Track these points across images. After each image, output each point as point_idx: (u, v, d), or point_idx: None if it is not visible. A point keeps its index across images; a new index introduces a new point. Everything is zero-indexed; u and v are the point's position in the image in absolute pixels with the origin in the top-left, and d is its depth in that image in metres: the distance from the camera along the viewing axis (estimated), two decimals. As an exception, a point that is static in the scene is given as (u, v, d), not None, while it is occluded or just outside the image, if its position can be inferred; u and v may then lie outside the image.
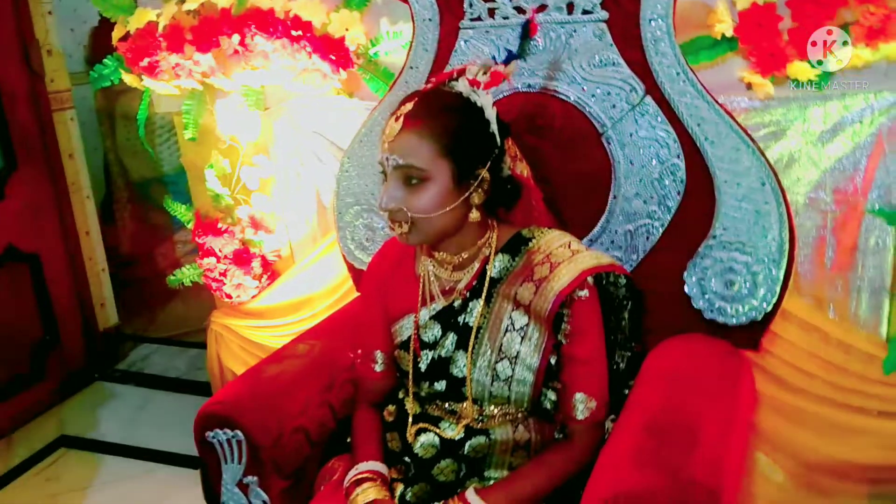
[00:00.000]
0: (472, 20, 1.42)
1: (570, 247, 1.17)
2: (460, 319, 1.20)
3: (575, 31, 1.34)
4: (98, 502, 2.31)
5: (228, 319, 2.15)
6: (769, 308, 1.30)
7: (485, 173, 1.14)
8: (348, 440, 1.42)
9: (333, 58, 1.71)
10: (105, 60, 1.96)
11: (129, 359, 3.25)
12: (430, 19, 1.45)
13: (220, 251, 1.99)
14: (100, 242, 3.17)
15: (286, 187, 1.98)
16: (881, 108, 1.50)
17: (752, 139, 1.27)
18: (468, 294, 1.20)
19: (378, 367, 1.33)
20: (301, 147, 1.92)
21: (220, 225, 1.98)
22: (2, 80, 2.59)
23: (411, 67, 1.51)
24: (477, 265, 1.21)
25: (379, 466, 1.22)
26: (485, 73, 1.17)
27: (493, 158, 1.15)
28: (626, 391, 1.23)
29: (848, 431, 1.69)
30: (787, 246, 1.27)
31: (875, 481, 1.70)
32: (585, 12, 1.32)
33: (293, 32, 1.71)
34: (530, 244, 1.19)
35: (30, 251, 2.74)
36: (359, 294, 1.73)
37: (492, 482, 1.18)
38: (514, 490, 1.14)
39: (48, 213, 2.82)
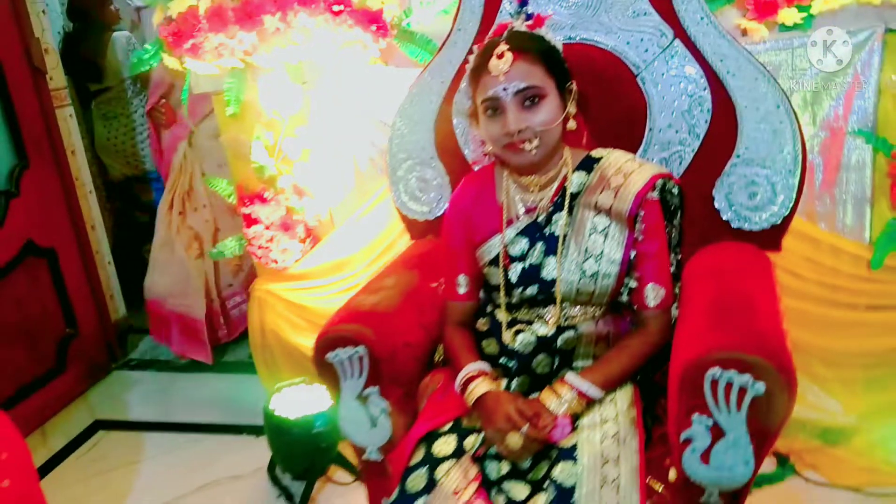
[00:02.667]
0: (515, -17, 1.63)
1: (635, 160, 1.41)
2: (546, 231, 1.41)
3: (610, -14, 1.56)
4: (149, 472, 2.42)
5: (271, 285, 2.30)
6: (787, 212, 1.55)
7: (574, 85, 1.37)
8: (437, 359, 1.62)
9: (374, 28, 1.89)
10: (146, 46, 2.07)
11: (139, 348, 3.33)
12: (476, -15, 1.65)
13: (267, 219, 2.13)
14: (104, 236, 3.24)
15: (325, 156, 2.14)
16: (856, 44, 1.78)
17: (766, 69, 1.51)
18: (551, 208, 1.41)
19: (462, 290, 1.53)
20: (338, 117, 2.09)
21: (265, 194, 2.12)
22: (9, 78, 2.64)
23: (459, 30, 1.70)
24: (556, 184, 1.42)
25: (484, 366, 1.41)
26: (528, 19, 1.39)
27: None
28: (676, 290, 1.47)
29: (840, 326, 1.98)
30: (800, 157, 1.52)
31: (867, 367, 1.99)
32: (618, -32, 1.55)
33: (334, 7, 1.88)
34: (601, 161, 1.41)
35: (46, 246, 2.79)
36: (412, 241, 1.91)
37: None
38: (604, 371, 1.36)
39: (59, 208, 2.88)
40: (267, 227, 2.16)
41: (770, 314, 1.31)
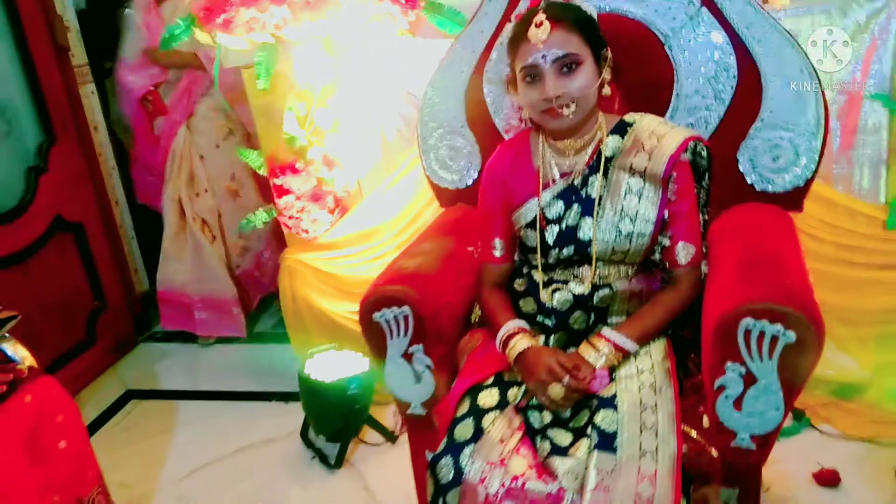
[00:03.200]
0: (546, -46, 1.67)
1: (666, 123, 1.47)
2: (582, 193, 1.47)
3: (639, -43, 1.61)
4: (183, 439, 2.51)
5: (302, 254, 2.36)
6: (810, 174, 1.61)
7: (608, 52, 1.43)
8: (473, 319, 1.69)
9: (403, 1, 1.93)
10: (177, 20, 2.11)
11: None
12: (507, -43, 1.69)
13: (298, 189, 2.19)
14: (127, 211, 3.30)
15: (354, 127, 2.19)
16: (872, 11, 1.83)
17: (790, 33, 1.57)
18: (586, 171, 1.47)
19: (498, 253, 1.60)
20: (367, 88, 2.14)
21: (297, 165, 2.18)
22: (35, 56, 2.68)
23: (490, 0, 1.74)
24: (591, 148, 1.48)
25: (523, 323, 1.49)
26: None
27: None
28: (704, 249, 1.53)
29: (856, 285, 2.05)
30: (822, 119, 1.57)
31: (881, 323, 2.07)
32: (648, -59, 1.59)
33: (364, -19, 1.92)
34: (634, 125, 1.47)
35: (74, 221, 2.85)
36: (442, 209, 1.97)
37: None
38: (639, 326, 1.43)
39: (84, 183, 2.94)
40: (298, 198, 2.22)
41: (798, 270, 1.38)
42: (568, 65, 1.38)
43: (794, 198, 1.66)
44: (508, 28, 1.48)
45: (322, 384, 2.17)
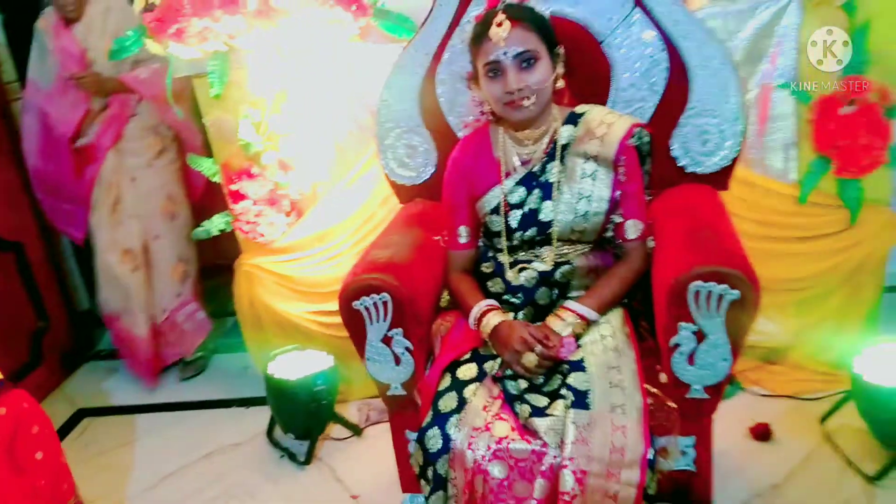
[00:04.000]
0: (489, -36, 1.81)
1: (613, 113, 1.62)
2: (542, 179, 1.61)
3: (576, -36, 1.77)
4: (145, 450, 2.50)
5: (258, 258, 2.41)
6: (735, 154, 1.80)
7: (561, 49, 1.58)
8: (442, 304, 1.80)
9: (354, 8, 2.03)
10: (127, 33, 2.13)
11: (106, 338, 3.34)
12: (454, -33, 1.82)
13: (255, 194, 2.25)
14: (65, 229, 3.22)
15: (307, 131, 2.27)
16: (779, 8, 2.06)
17: (712, 31, 1.76)
18: (545, 159, 1.61)
19: (463, 240, 1.72)
20: (319, 93, 2.22)
21: (253, 170, 2.23)
22: (-35, 73, 2.62)
23: (440, 6, 1.87)
24: (547, 138, 1.62)
25: (493, 302, 1.61)
26: None
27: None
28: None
29: (775, 257, 2.27)
30: (743, 106, 1.77)
31: (799, 290, 2.30)
32: (586, -50, 1.76)
33: (316, -10, 2.01)
34: (584, 116, 1.62)
35: (13, 240, 2.79)
36: (401, 205, 2.07)
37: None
38: (598, 296, 1.58)
39: (21, 201, 2.87)
40: (255, 203, 2.27)
41: (733, 239, 1.56)
42: (527, 60, 1.52)
43: (722, 177, 1.84)
44: (466, 29, 1.60)
45: (289, 382, 2.22)
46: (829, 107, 2.07)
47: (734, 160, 1.82)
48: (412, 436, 1.66)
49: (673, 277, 1.44)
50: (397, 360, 1.62)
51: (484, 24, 1.53)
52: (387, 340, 1.60)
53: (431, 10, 1.88)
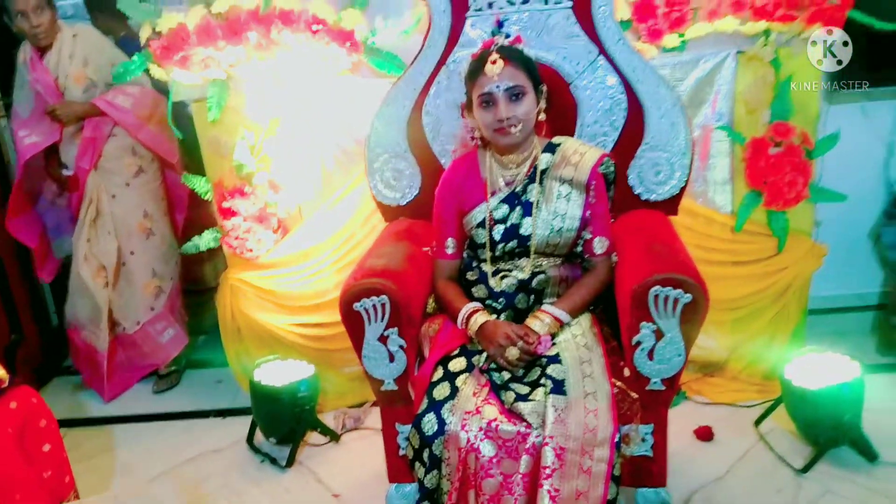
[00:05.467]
0: (475, 10, 2.06)
1: (585, 144, 1.88)
2: (523, 199, 1.84)
3: (550, 14, 2.04)
4: (127, 456, 2.58)
5: (244, 273, 2.56)
6: (683, 184, 2.08)
7: (544, 87, 1.82)
8: (428, 309, 2.00)
9: (348, 45, 2.25)
10: (133, 58, 2.29)
11: (75, 355, 3.38)
12: (444, 11, 2.07)
13: (246, 212, 2.41)
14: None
15: (296, 155, 2.45)
16: (717, 63, 2.37)
17: (664, 78, 2.05)
18: (526, 181, 1.85)
19: (450, 250, 1.93)
20: (309, 121, 2.41)
21: (245, 189, 2.40)
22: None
23: (429, 46, 2.10)
24: (528, 162, 1.86)
25: (479, 304, 1.82)
26: (506, 37, 1.83)
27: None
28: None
29: (714, 279, 2.52)
30: (690, 142, 2.06)
31: (734, 310, 2.59)
32: (557, 2, 2.03)
33: (314, 27, 2.22)
34: (560, 146, 1.87)
35: (-8, 253, 2.85)
36: (386, 223, 2.27)
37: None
38: (570, 302, 1.81)
39: (-1, 216, 2.94)
40: (245, 220, 2.43)
41: (685, 253, 1.82)
42: (516, 94, 1.75)
43: (672, 204, 2.12)
44: (451, 68, 1.84)
45: (274, 388, 2.36)
46: (760, 147, 2.39)
47: (682, 189, 2.10)
48: (402, 428, 1.84)
49: (636, 283, 1.68)
50: (391, 358, 1.80)
51: (480, 61, 1.77)
52: (383, 339, 1.79)
53: (421, 50, 2.12)
